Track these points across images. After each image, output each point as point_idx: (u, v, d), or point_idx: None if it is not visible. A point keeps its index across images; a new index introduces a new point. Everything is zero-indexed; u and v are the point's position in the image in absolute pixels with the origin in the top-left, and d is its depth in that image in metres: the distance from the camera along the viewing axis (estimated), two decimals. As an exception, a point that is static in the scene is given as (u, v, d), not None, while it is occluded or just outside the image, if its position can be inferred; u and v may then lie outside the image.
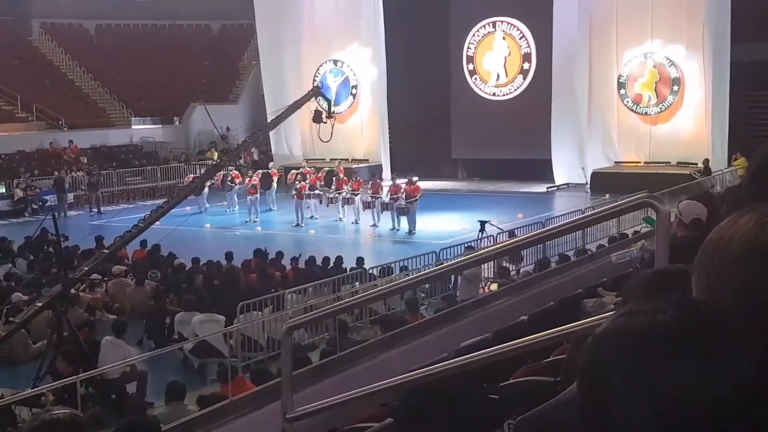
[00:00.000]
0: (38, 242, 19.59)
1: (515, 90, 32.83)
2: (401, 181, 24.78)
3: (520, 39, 32.48)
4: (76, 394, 9.19)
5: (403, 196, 24.03)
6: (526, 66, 32.55)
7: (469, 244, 17.59)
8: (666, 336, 0.94)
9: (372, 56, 34.46)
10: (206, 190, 26.53)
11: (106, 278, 16.04)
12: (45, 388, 9.49)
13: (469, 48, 33.19)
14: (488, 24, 32.81)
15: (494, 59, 33.14)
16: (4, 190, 29.45)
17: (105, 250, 14.24)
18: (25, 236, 19.65)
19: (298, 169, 28.61)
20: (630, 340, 0.96)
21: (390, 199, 24.50)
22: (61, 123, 35.82)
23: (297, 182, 26.23)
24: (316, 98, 23.95)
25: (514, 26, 32.52)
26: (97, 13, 43.24)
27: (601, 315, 2.82)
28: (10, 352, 13.11)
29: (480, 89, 33.16)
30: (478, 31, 32.96)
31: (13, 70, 38.46)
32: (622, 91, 30.41)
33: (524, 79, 32.55)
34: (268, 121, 21.52)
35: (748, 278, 1.06)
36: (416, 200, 23.91)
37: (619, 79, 30.41)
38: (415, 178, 24.68)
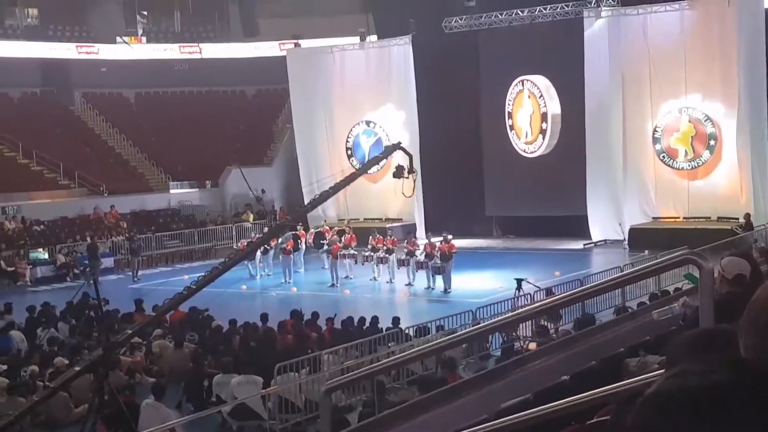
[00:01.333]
0: (80, 307, 19.80)
1: (539, 148, 32.70)
2: (436, 240, 24.78)
3: (539, 98, 32.49)
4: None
5: (438, 255, 24.00)
6: (543, 126, 32.48)
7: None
8: (719, 397, 0.94)
9: (403, 117, 34.79)
10: (258, 254, 26.41)
11: (146, 342, 16.13)
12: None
13: (508, 104, 33.15)
14: (519, 82, 32.99)
15: (523, 117, 33.20)
16: (47, 256, 29.88)
17: (152, 313, 14.24)
18: (67, 301, 19.87)
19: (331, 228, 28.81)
20: (682, 402, 0.96)
21: (425, 257, 24.47)
22: (101, 189, 36.48)
23: (332, 238, 26.50)
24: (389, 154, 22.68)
25: (535, 85, 32.54)
26: (137, 82, 44.30)
27: (645, 375, 2.79)
28: (52, 416, 13.19)
29: (516, 145, 33.15)
30: (512, 88, 33.06)
31: (56, 139, 39.45)
32: (658, 146, 30.26)
33: (543, 138, 32.46)
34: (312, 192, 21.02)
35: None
36: (451, 259, 23.85)
37: (654, 133, 30.29)
38: (449, 237, 24.67)
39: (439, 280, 23.94)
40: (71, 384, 13.08)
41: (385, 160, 21.77)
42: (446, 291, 23.57)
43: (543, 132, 32.49)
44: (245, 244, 26.22)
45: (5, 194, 33.33)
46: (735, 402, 0.94)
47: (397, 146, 19.47)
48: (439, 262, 23.88)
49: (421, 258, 24.65)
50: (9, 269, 28.58)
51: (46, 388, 12.88)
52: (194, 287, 13.40)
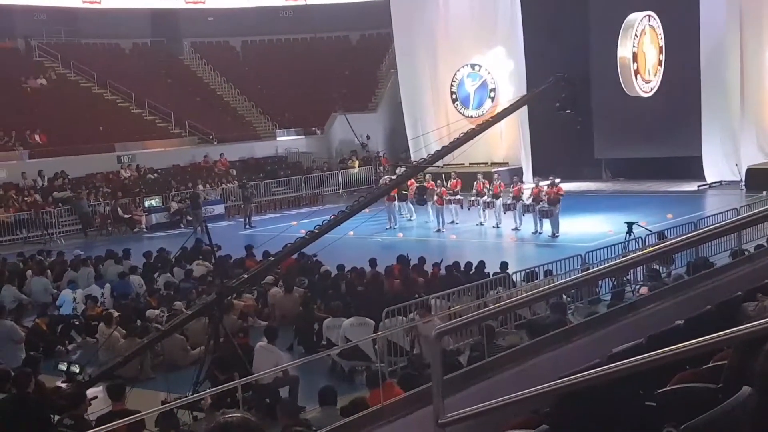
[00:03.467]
0: (194, 252, 20.49)
1: (657, 86, 31.73)
2: (543, 184, 24.43)
3: (659, 32, 31.36)
4: (231, 400, 9.57)
5: (546, 199, 23.69)
6: (661, 57, 31.38)
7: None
8: None
9: (510, 58, 34.21)
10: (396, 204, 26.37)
11: (256, 287, 16.55)
12: (206, 393, 9.90)
13: (634, 45, 32.16)
14: (643, 18, 31.82)
15: (638, 55, 32.16)
16: (161, 204, 30.90)
17: (263, 258, 14.41)
18: (181, 246, 20.54)
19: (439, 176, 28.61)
20: None
21: (532, 201, 24.20)
22: (211, 137, 37.39)
23: (437, 188, 26.35)
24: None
25: (653, 18, 31.43)
26: (243, 31, 44.93)
27: (765, 320, 2.69)
28: (170, 357, 13.78)
29: (639, 88, 32.17)
30: (635, 27, 31.95)
31: (166, 88, 40.56)
32: (778, 82, 28.94)
33: (660, 69, 31.38)
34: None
35: None
36: (559, 203, 23.51)
37: (774, 69, 28.96)
38: (557, 180, 24.29)
39: (547, 224, 23.65)
40: (188, 327, 13.64)
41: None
42: (554, 235, 23.28)
43: (661, 63, 31.40)
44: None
45: (120, 143, 34.59)
46: None
47: (562, 78, 18.58)
48: (546, 206, 23.58)
49: (528, 202, 24.38)
50: (126, 216, 29.71)
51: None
52: (317, 231, 13.46)
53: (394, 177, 27.70)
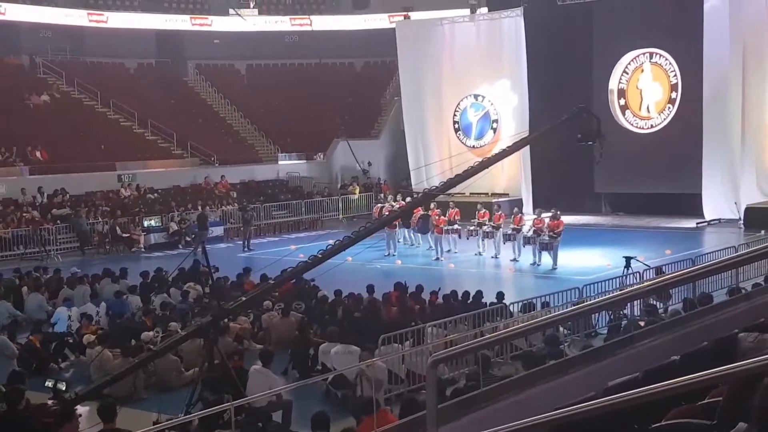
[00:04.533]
0: (191, 273, 20.45)
1: (662, 122, 31.89)
2: (545, 216, 24.46)
3: (669, 69, 31.56)
4: (223, 422, 9.50)
5: (547, 231, 23.71)
6: (674, 95, 31.57)
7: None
8: None
9: (513, 91, 34.38)
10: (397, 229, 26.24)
11: (256, 310, 16.50)
12: (198, 414, 9.84)
13: (620, 81, 32.45)
14: (638, 56, 32.09)
15: (642, 92, 32.35)
16: (160, 224, 30.88)
17: (271, 281, 14.35)
18: (178, 267, 20.50)
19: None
20: None
21: (533, 233, 24.21)
22: (213, 159, 37.49)
23: (438, 217, 26.39)
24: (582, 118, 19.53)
25: (661, 56, 31.67)
26: (248, 54, 45.21)
27: (761, 357, 2.69)
28: (163, 379, 13.71)
29: (630, 123, 32.34)
30: (628, 63, 32.26)
31: (170, 109, 40.72)
32: (778, 122, 29.09)
33: (673, 107, 31.54)
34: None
35: None
36: (560, 236, 23.53)
37: (775, 108, 29.12)
38: (558, 213, 24.34)
39: (546, 257, 23.65)
40: (183, 348, 13.58)
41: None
42: (554, 267, 23.27)
43: (672, 101, 31.62)
44: (378, 211, 26.26)
45: (122, 162, 34.65)
46: None
47: (583, 109, 18.48)
48: (547, 238, 23.60)
49: (529, 234, 24.39)
50: (124, 235, 29.69)
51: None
52: (321, 256, 13.38)
53: (394, 204, 27.80)
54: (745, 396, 2.88)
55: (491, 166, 16.96)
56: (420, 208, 25.37)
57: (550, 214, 24.31)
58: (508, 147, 17.64)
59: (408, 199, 27.27)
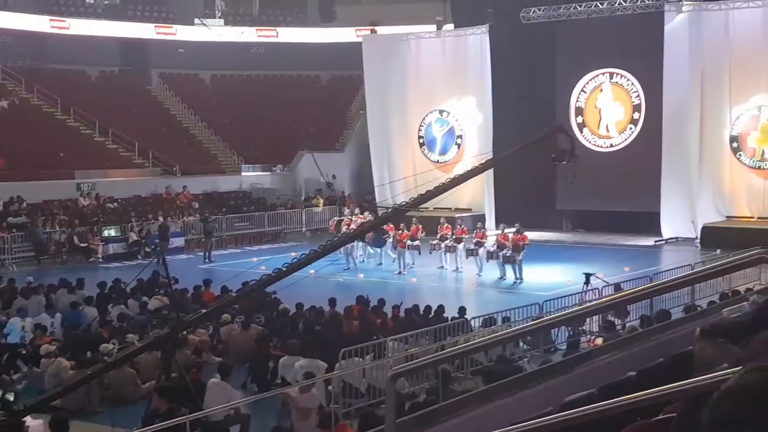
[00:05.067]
0: (150, 284, 20.20)
1: (623, 142, 32.29)
2: (509, 231, 24.64)
3: (631, 90, 32.00)
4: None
5: (511, 245, 23.92)
6: (636, 116, 32.00)
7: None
8: None
9: (479, 109, 34.58)
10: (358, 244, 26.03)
11: (215, 323, 16.34)
12: (153, 428, 9.70)
13: (577, 100, 32.92)
14: (597, 75, 32.53)
15: (600, 111, 32.77)
16: (119, 234, 30.49)
17: (232, 293, 14.20)
18: (137, 278, 20.24)
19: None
20: (763, 394, 0.93)
21: (496, 248, 24.40)
22: (175, 169, 37.16)
23: (398, 231, 26.39)
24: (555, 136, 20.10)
25: (624, 77, 32.11)
26: (213, 64, 45.00)
27: (718, 372, 2.72)
28: (119, 391, 13.51)
29: (587, 140, 32.73)
30: (587, 83, 32.71)
31: (132, 118, 40.32)
32: (735, 144, 29.58)
33: (635, 127, 31.96)
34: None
35: None
36: (523, 250, 23.78)
37: (731, 131, 29.59)
38: (521, 228, 24.55)
39: (509, 271, 23.85)
40: (140, 360, 13.41)
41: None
42: (518, 280, 23.51)
43: (634, 122, 32.05)
44: (335, 224, 25.99)
45: (81, 171, 34.22)
46: None
47: (559, 128, 18.51)
48: (509, 252, 23.81)
49: (492, 248, 24.56)
50: (82, 245, 29.23)
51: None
52: (285, 270, 13.25)
53: (353, 217, 27.82)
54: (697, 412, 2.91)
55: (463, 182, 16.94)
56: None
57: (513, 229, 24.50)
58: (480, 164, 17.64)
59: (366, 213, 27.27)
